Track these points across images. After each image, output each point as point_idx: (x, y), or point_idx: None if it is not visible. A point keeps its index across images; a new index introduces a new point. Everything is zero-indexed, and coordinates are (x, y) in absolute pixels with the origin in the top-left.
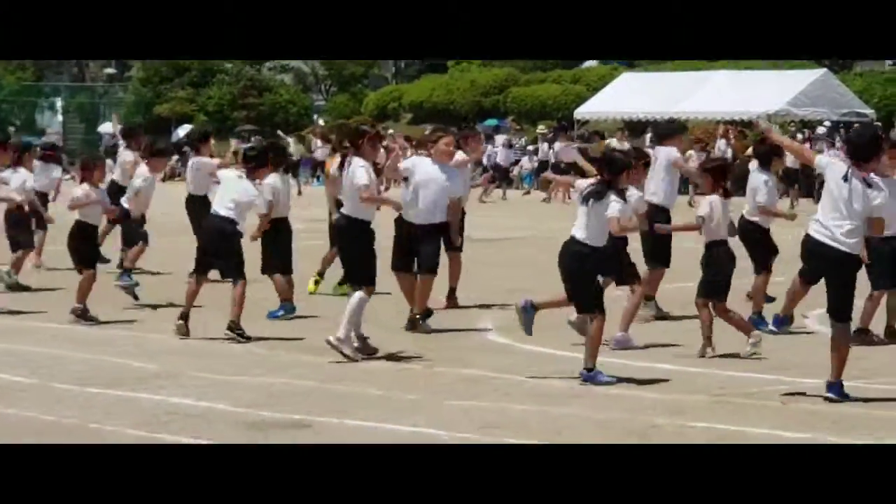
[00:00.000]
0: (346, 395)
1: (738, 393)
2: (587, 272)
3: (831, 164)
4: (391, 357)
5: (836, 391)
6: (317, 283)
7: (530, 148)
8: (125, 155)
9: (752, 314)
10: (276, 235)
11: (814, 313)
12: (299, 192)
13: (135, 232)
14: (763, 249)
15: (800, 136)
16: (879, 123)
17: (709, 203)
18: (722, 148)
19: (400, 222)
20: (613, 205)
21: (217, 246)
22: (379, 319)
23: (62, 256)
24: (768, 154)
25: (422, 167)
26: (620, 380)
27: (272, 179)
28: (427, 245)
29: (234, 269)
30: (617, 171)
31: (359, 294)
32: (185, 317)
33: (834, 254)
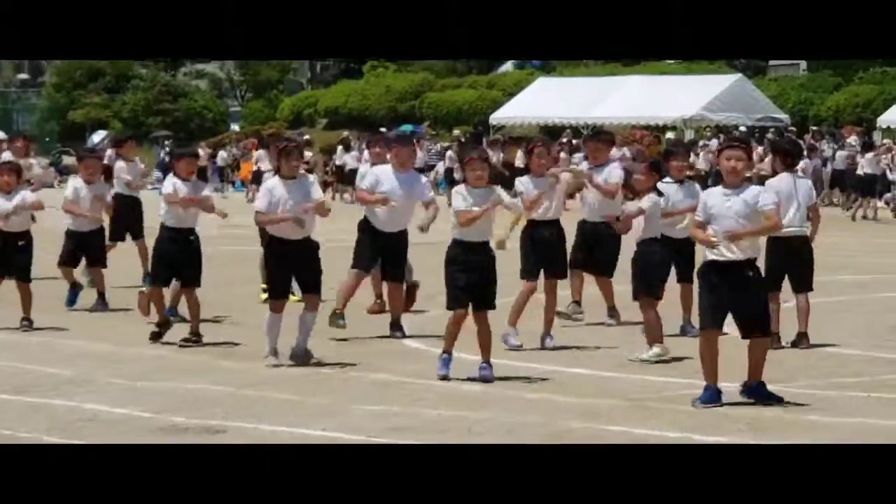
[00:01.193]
0: (260, 400)
1: (654, 397)
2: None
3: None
4: (305, 363)
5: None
6: None
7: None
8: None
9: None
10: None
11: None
12: (223, 196)
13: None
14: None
15: (715, 140)
16: (794, 129)
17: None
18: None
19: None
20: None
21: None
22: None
23: None
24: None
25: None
26: (538, 381)
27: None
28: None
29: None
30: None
31: (273, 312)
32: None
33: None
